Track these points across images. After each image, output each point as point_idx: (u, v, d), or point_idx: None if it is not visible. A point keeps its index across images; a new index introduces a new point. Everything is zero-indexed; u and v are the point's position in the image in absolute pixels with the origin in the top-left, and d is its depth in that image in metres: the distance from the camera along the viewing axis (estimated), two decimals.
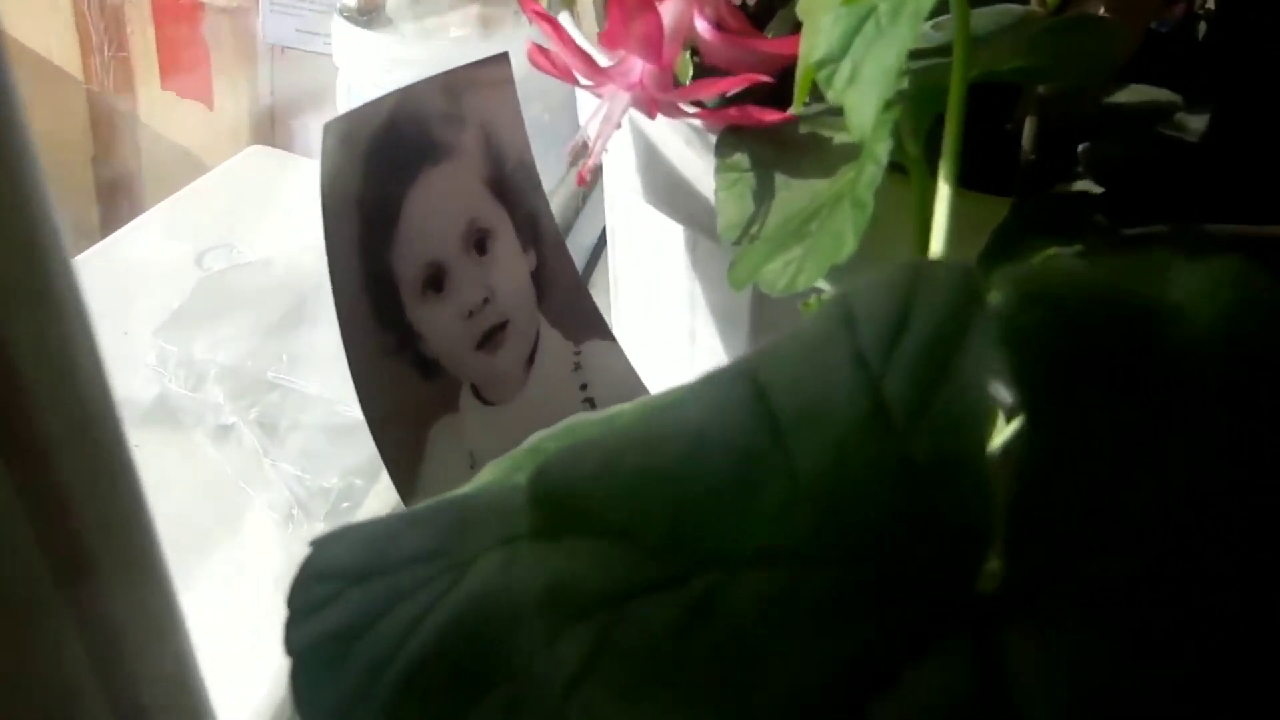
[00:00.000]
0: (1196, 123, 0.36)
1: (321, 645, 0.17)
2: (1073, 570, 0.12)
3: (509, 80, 0.36)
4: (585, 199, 0.63)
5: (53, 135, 0.96)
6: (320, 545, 0.19)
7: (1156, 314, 0.14)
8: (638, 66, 0.31)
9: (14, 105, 0.14)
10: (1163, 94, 0.35)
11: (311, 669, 0.17)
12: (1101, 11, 0.35)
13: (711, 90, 0.31)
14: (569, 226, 0.68)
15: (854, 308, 0.15)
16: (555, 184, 0.70)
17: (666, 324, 0.44)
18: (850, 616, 0.13)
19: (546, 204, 0.38)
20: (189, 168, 0.96)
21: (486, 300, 0.35)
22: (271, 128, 0.95)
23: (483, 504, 0.20)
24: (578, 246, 0.64)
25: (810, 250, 0.28)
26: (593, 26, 0.43)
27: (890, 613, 0.13)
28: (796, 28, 0.35)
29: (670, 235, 0.40)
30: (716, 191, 0.34)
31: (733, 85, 0.31)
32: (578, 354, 0.38)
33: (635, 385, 0.39)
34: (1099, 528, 0.13)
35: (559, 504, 0.15)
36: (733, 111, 0.30)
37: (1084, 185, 0.37)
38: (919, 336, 0.14)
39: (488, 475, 0.23)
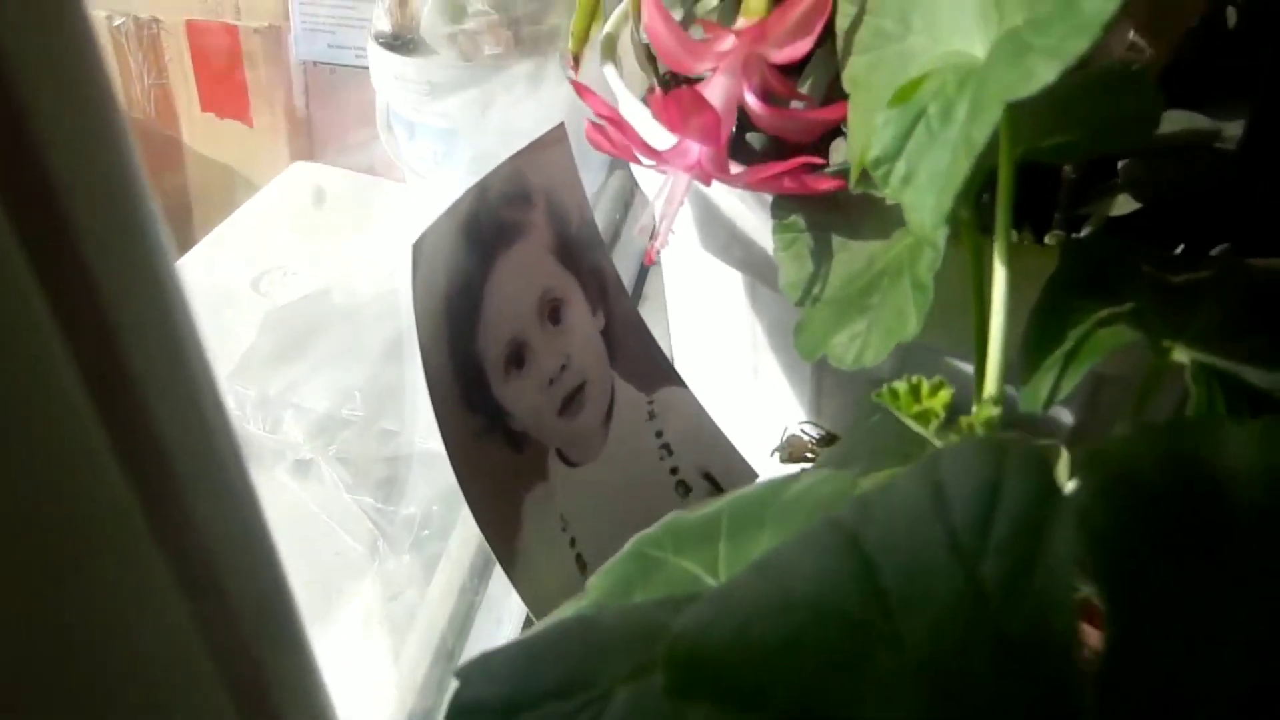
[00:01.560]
0: (1233, 128, 0.37)
1: None
2: None
3: (566, 145, 0.38)
4: (627, 209, 0.65)
5: None
6: (465, 678, 0.22)
7: (1215, 484, 0.16)
8: (695, 149, 0.32)
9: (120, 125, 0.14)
10: (1200, 121, 0.36)
11: None
12: (1132, 35, 0.37)
13: (767, 175, 0.32)
14: (615, 233, 0.70)
15: (945, 484, 0.17)
16: (594, 190, 0.72)
17: (729, 360, 0.46)
18: None
19: (610, 260, 0.40)
20: (234, 184, 0.98)
21: (564, 366, 0.37)
22: (310, 140, 0.97)
23: (607, 628, 0.22)
24: (626, 257, 0.66)
25: (874, 324, 0.30)
26: (633, 66, 0.45)
27: None
28: (833, 72, 0.36)
29: (729, 278, 0.42)
30: (775, 250, 0.35)
31: (787, 168, 0.33)
32: (651, 403, 0.40)
33: (707, 427, 0.41)
34: (1179, 701, 0.15)
35: (693, 670, 0.17)
36: (788, 182, 0.32)
37: (1124, 201, 0.38)
38: (1008, 523, 0.16)
39: (599, 588, 0.26)
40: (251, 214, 0.86)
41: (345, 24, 0.89)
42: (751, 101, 0.34)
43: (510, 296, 0.35)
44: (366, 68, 0.75)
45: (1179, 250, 0.36)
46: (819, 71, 0.35)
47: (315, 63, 0.92)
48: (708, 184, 0.33)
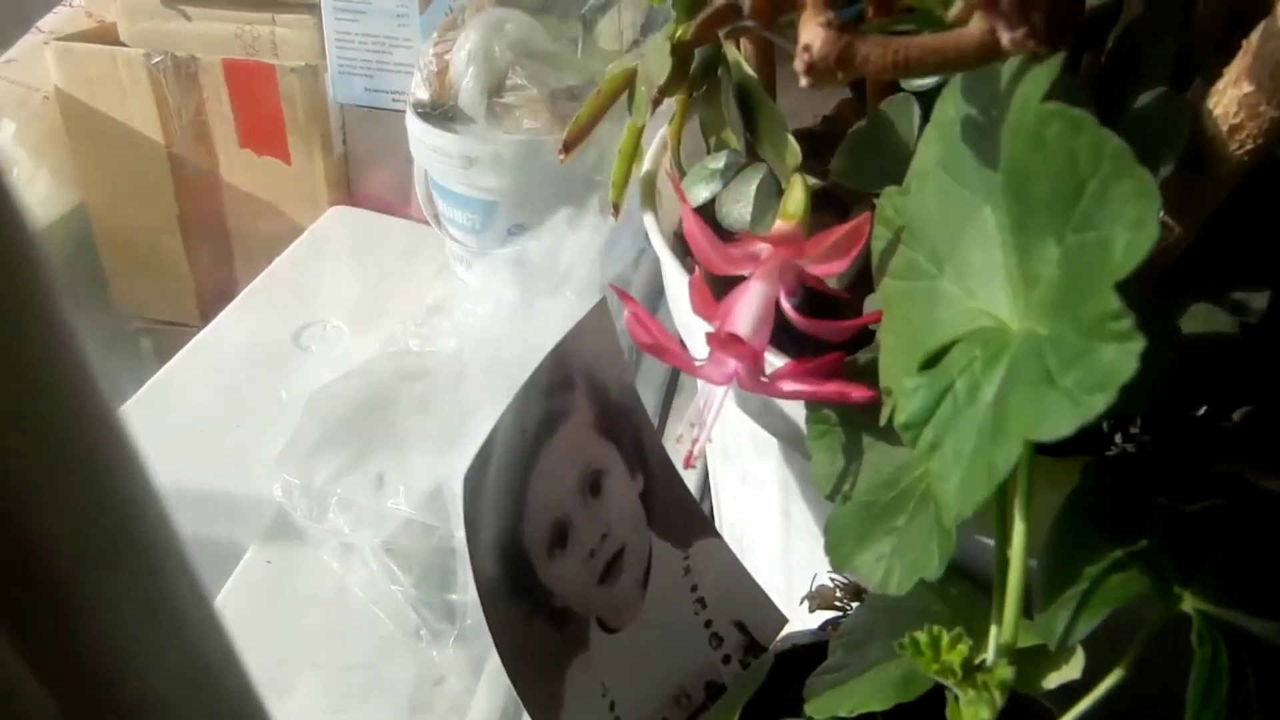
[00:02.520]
0: (1259, 299, 0.39)
1: None
2: None
3: (607, 317, 0.40)
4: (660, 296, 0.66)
5: (139, 196, 1.02)
6: None
7: None
8: (732, 362, 0.34)
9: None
10: (1222, 320, 0.38)
11: None
12: (1161, 214, 0.38)
13: (804, 391, 0.34)
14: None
15: None
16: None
17: (762, 503, 0.48)
18: None
19: (648, 419, 0.42)
20: (271, 219, 1.01)
21: (604, 535, 0.39)
22: (347, 180, 0.99)
23: None
24: None
25: (899, 552, 0.32)
26: (672, 207, 0.46)
27: None
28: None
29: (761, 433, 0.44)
30: (808, 438, 0.37)
31: (821, 367, 0.35)
32: (686, 559, 0.42)
33: (740, 577, 0.44)
34: None
35: None
36: (829, 389, 0.34)
37: None
38: None
39: None
40: (290, 262, 0.89)
41: (382, 68, 0.91)
42: (787, 308, 0.35)
43: (553, 481, 0.38)
44: (403, 110, 0.77)
45: (1200, 412, 0.38)
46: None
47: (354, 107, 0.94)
48: (746, 389, 0.35)
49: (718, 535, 0.43)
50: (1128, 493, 0.32)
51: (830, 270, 0.34)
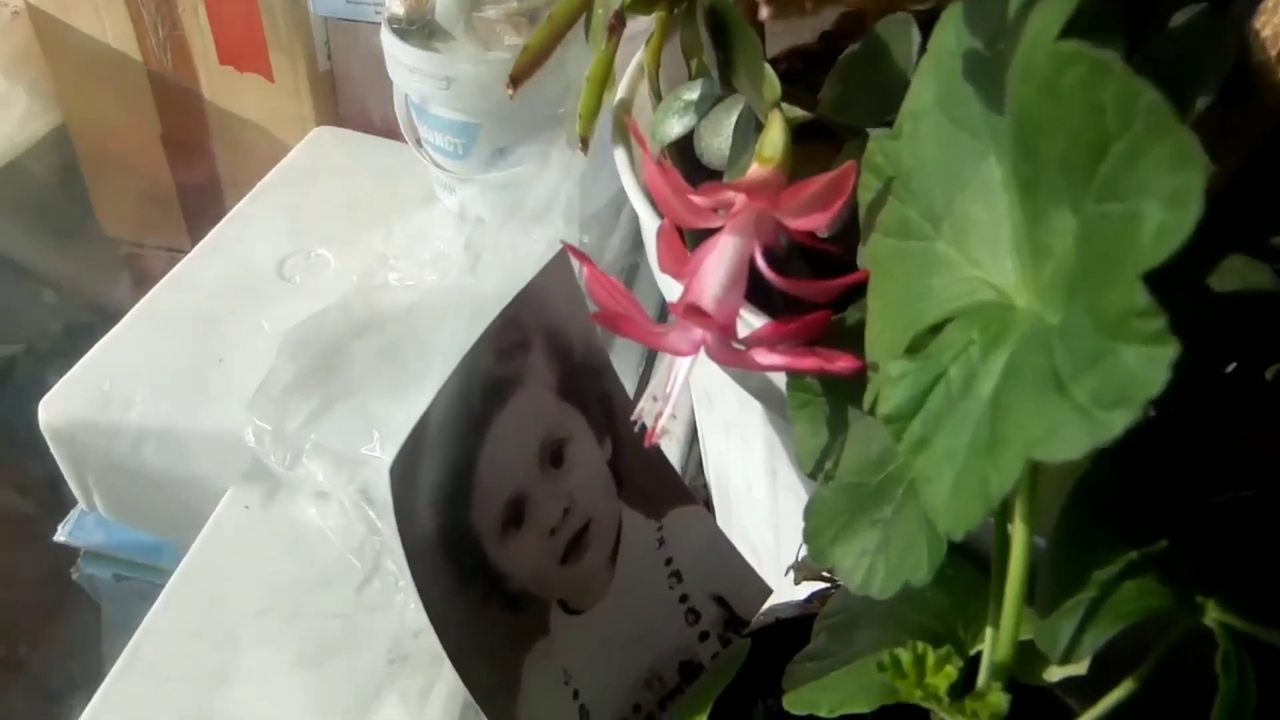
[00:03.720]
0: None
1: None
2: None
3: (567, 269, 0.35)
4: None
5: (121, 116, 0.96)
6: None
7: None
8: (699, 330, 0.30)
9: None
10: (1262, 275, 0.32)
11: None
12: None
13: (780, 363, 0.30)
14: (632, 275, 0.67)
15: None
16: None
17: (747, 460, 0.44)
18: None
19: (616, 379, 0.38)
20: (258, 140, 0.96)
21: (567, 510, 0.35)
22: (333, 94, 0.94)
23: None
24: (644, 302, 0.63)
25: (883, 549, 0.28)
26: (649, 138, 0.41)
27: None
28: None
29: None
30: (789, 408, 0.33)
31: (804, 328, 0.30)
32: (660, 529, 0.38)
33: (720, 546, 0.40)
34: None
35: None
36: (809, 361, 0.29)
37: None
38: None
39: None
40: (273, 188, 0.84)
41: None
42: (762, 266, 0.31)
43: (507, 454, 0.33)
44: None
45: (1230, 369, 0.33)
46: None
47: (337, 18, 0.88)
48: (715, 359, 0.30)
49: (696, 502, 0.39)
50: (1144, 480, 0.28)
51: (810, 224, 0.30)
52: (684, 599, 0.38)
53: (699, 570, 0.38)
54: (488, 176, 0.69)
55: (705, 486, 0.55)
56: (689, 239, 0.33)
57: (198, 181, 1.00)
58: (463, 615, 0.32)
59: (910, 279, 0.27)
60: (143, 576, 0.77)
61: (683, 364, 0.30)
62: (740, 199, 0.30)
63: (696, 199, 0.31)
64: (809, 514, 0.31)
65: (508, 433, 0.33)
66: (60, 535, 0.76)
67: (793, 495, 0.42)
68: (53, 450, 0.71)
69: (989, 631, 0.27)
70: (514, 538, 0.34)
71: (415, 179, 0.80)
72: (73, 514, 0.76)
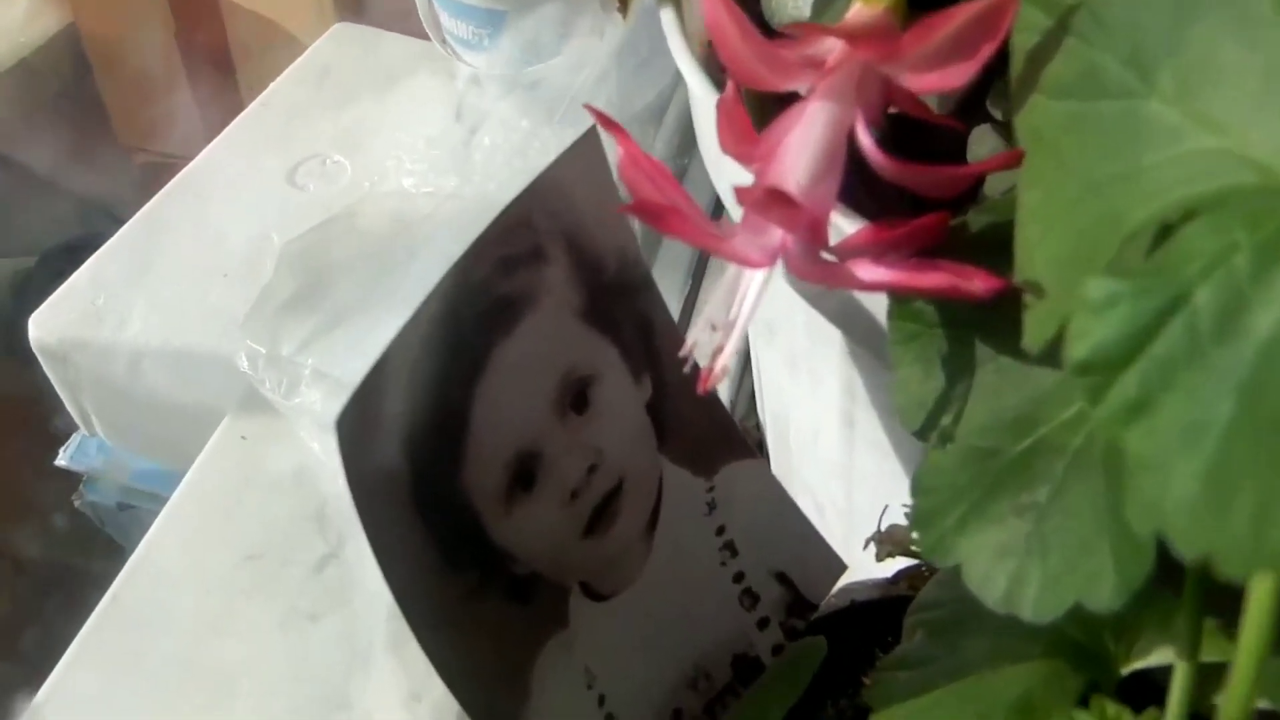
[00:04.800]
0: None
1: None
2: None
3: (598, 156, 0.26)
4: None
5: (132, 13, 0.87)
6: None
7: None
8: (777, 233, 0.21)
9: None
10: None
11: None
12: None
13: (886, 257, 0.20)
14: (680, 172, 0.57)
15: None
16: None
17: (817, 405, 0.34)
18: None
19: (659, 299, 0.29)
20: (276, 39, 0.86)
21: (593, 467, 0.27)
22: None
23: None
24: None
25: (1038, 550, 0.19)
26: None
27: None
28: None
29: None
30: (891, 342, 0.24)
31: (908, 239, 0.21)
32: (710, 490, 0.29)
33: (785, 511, 0.31)
34: None
35: None
36: (935, 278, 0.20)
37: None
38: None
39: None
40: (287, 88, 0.74)
41: None
42: (865, 144, 0.21)
43: (513, 396, 0.25)
44: None
45: None
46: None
47: None
48: (799, 276, 0.21)
49: (756, 455, 0.30)
50: None
51: (943, 81, 0.20)
52: (739, 577, 0.30)
53: (758, 541, 0.30)
54: (515, 72, 0.59)
55: (758, 428, 0.46)
56: (756, 117, 0.24)
57: (215, 87, 0.90)
58: (452, 610, 0.23)
59: (1101, 157, 0.17)
60: (148, 505, 0.70)
61: (752, 281, 0.21)
62: (839, 49, 0.21)
63: (779, 49, 0.21)
64: (919, 488, 0.22)
65: (514, 369, 0.24)
66: (61, 460, 0.69)
67: (873, 450, 0.33)
68: (45, 370, 0.63)
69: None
70: (522, 505, 0.25)
71: (440, 79, 0.70)
72: (74, 438, 0.69)
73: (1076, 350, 0.15)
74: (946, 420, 0.23)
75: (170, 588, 0.48)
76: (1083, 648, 0.24)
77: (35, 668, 0.47)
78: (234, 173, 0.69)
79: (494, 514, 0.24)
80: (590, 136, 0.26)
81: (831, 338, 0.31)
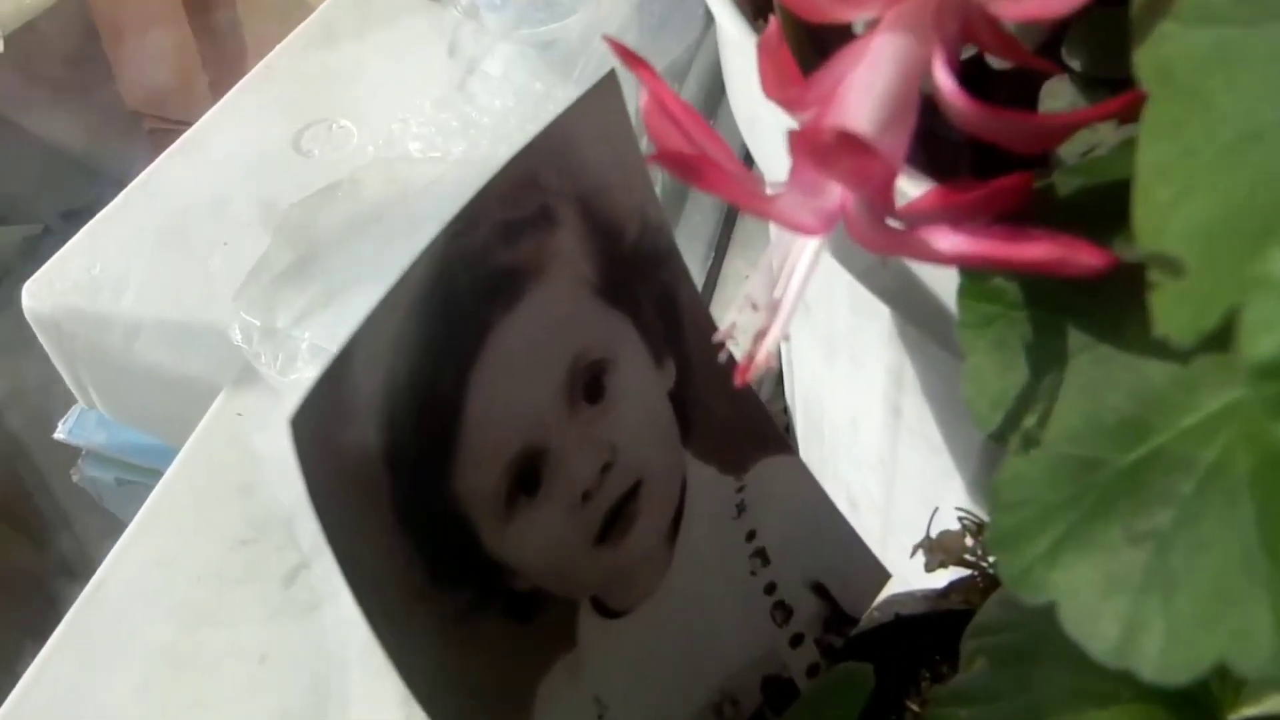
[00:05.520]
0: None
1: None
2: None
3: (617, 105, 0.22)
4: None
5: None
6: None
7: None
8: (836, 190, 0.16)
9: None
10: None
11: None
12: None
13: (969, 225, 0.16)
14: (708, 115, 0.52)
15: None
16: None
17: (857, 391, 0.30)
18: None
19: (685, 272, 0.24)
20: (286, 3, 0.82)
21: (607, 466, 0.23)
22: None
23: None
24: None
25: (1161, 589, 0.15)
26: None
27: None
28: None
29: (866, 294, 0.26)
30: (960, 325, 0.20)
31: (986, 203, 0.17)
32: (741, 490, 0.25)
33: (822, 515, 0.27)
34: None
35: None
36: (1039, 250, 0.16)
37: None
38: None
39: None
40: (295, 50, 0.70)
41: None
42: (946, 85, 0.17)
43: (515, 385, 0.21)
44: None
45: None
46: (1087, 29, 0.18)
47: None
48: (863, 241, 0.17)
49: (791, 451, 0.26)
50: None
51: (1045, 7, 0.16)
52: (771, 589, 0.26)
53: (793, 548, 0.26)
54: (528, 32, 0.55)
55: (785, 413, 0.42)
56: (803, 59, 0.19)
57: (223, 51, 0.86)
58: (439, 635, 0.19)
59: (1268, 96, 0.13)
60: (148, 481, 0.66)
61: (803, 251, 0.17)
62: None
63: None
64: (999, 502, 0.18)
65: (517, 351, 0.20)
66: (60, 433, 0.65)
67: (920, 443, 0.29)
68: (40, 340, 0.60)
69: None
70: (524, 512, 0.21)
71: (451, 41, 0.66)
72: (73, 411, 0.65)
73: (1257, 347, 0.11)
74: (1030, 420, 0.18)
75: (159, 574, 0.44)
76: (1183, 690, 0.20)
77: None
78: (237, 138, 0.65)
79: (491, 522, 0.20)
80: (609, 83, 0.22)
81: (879, 316, 0.27)
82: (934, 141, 0.22)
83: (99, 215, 0.60)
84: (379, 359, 0.17)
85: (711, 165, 0.16)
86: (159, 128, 0.91)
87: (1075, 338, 0.18)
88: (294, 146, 0.64)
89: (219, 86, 0.88)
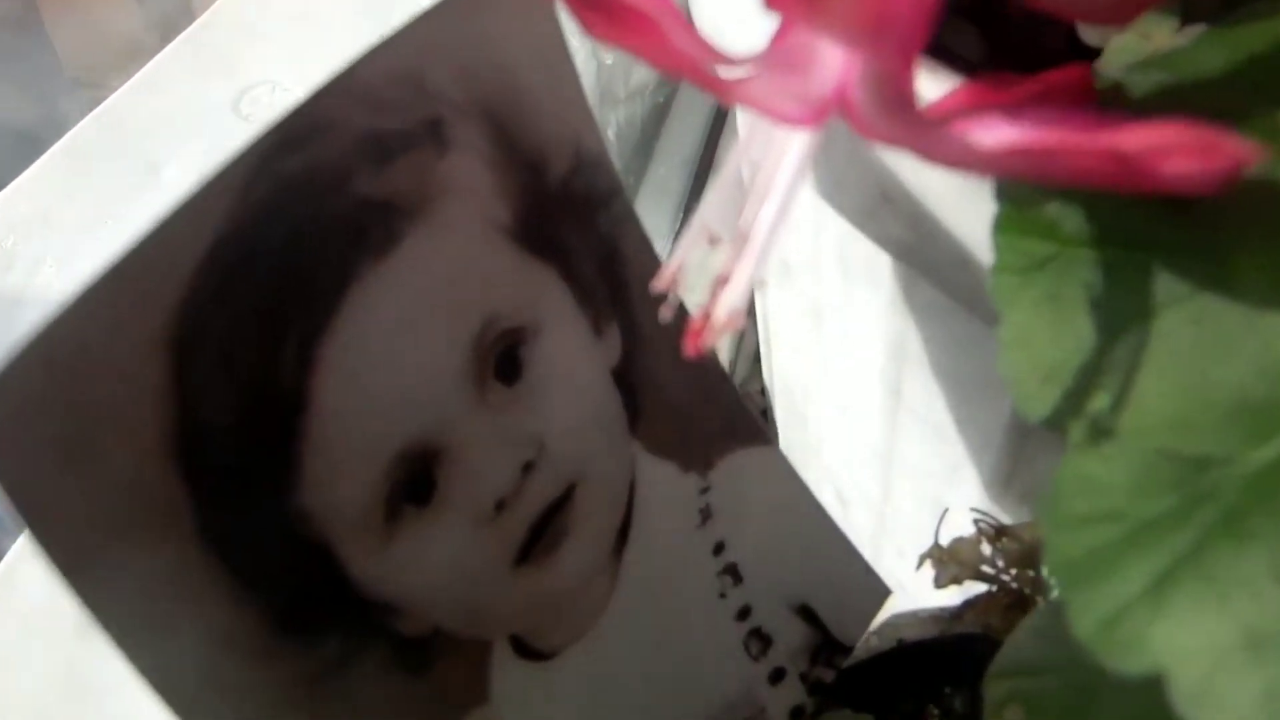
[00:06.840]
0: None
1: None
2: None
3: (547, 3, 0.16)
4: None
5: None
6: None
7: None
8: (831, 61, 0.11)
9: None
10: None
11: None
12: None
13: (1032, 143, 0.11)
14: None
15: None
16: None
17: (850, 368, 0.25)
18: None
19: (630, 212, 0.19)
20: None
21: (529, 466, 0.17)
22: None
23: None
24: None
25: None
26: None
27: None
28: None
29: (865, 246, 0.21)
30: (996, 273, 0.14)
31: (1040, 96, 0.11)
32: (705, 491, 0.20)
33: (806, 522, 0.21)
34: None
35: None
36: (1151, 135, 0.10)
37: None
38: None
39: None
40: (236, 6, 0.64)
41: None
42: None
43: (391, 362, 0.15)
44: None
45: None
46: None
47: None
48: (869, 134, 0.11)
49: (768, 441, 0.21)
50: None
51: None
52: (744, 614, 0.20)
53: (771, 562, 0.20)
54: None
55: (763, 395, 0.36)
56: None
57: (167, 11, 0.80)
58: (293, 706, 0.14)
59: None
60: None
61: (783, 155, 0.11)
62: None
63: None
64: (1057, 519, 0.12)
65: (392, 316, 0.15)
66: None
67: (924, 430, 0.23)
68: None
69: None
70: (411, 528, 0.15)
71: None
72: None
73: None
74: (1100, 401, 0.13)
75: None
76: None
77: None
78: (170, 100, 0.58)
79: (361, 546, 0.15)
80: None
81: (877, 278, 0.21)
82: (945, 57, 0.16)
83: (13, 184, 0.54)
84: (149, 327, 0.12)
85: (652, 27, 0.10)
86: (99, 96, 0.85)
87: (1165, 286, 0.13)
88: (233, 110, 0.58)
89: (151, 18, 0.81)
